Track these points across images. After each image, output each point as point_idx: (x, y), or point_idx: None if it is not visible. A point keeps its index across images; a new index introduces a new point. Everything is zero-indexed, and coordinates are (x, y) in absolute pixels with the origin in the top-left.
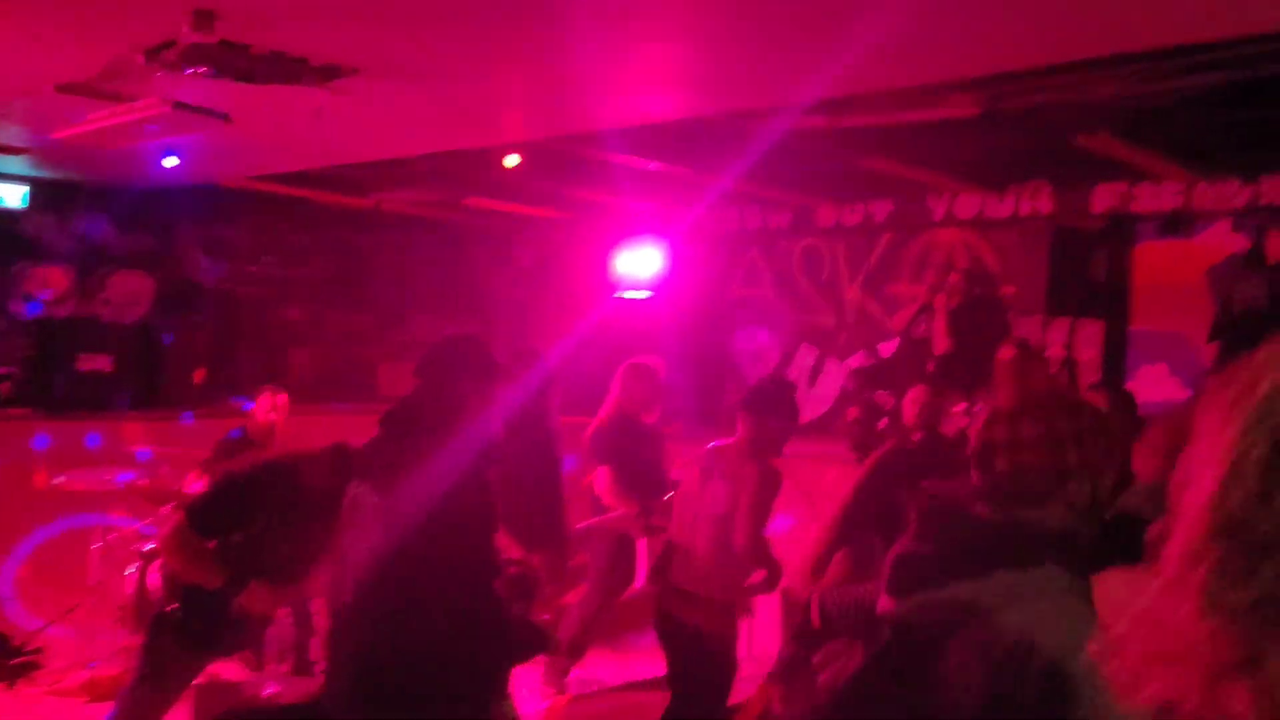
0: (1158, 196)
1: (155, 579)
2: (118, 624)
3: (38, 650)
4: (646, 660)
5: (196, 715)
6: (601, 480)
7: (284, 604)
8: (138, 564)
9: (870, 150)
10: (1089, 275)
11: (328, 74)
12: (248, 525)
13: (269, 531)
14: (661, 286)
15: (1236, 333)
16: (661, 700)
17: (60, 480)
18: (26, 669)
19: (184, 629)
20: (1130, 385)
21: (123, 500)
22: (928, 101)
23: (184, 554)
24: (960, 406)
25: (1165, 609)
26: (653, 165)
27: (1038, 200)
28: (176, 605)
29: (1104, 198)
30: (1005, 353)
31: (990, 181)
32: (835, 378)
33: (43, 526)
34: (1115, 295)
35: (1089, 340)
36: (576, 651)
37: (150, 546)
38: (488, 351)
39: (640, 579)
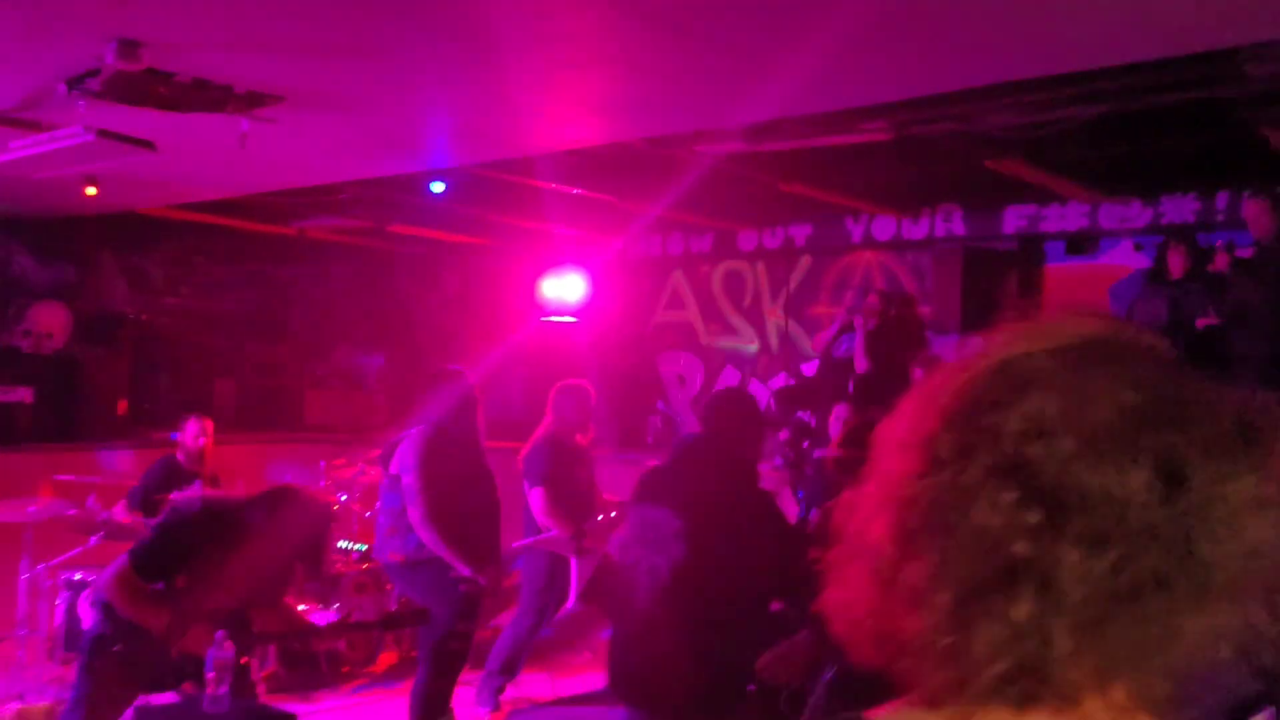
0: (1064, 217)
1: (85, 609)
2: (47, 655)
3: None
4: (578, 679)
5: None
6: (536, 501)
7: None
8: (65, 595)
9: (789, 175)
10: (1001, 294)
11: (252, 101)
12: (190, 568)
13: (211, 574)
14: (586, 311)
15: None
16: (592, 716)
17: None
18: None
19: (127, 664)
20: None
21: (49, 530)
22: (843, 127)
23: (129, 596)
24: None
25: None
26: (577, 191)
27: (951, 222)
28: (117, 639)
29: (1013, 219)
30: (918, 371)
31: (905, 205)
32: (759, 398)
33: None
34: (1026, 313)
35: None
36: (510, 670)
37: (79, 577)
38: (754, 400)
39: (572, 599)
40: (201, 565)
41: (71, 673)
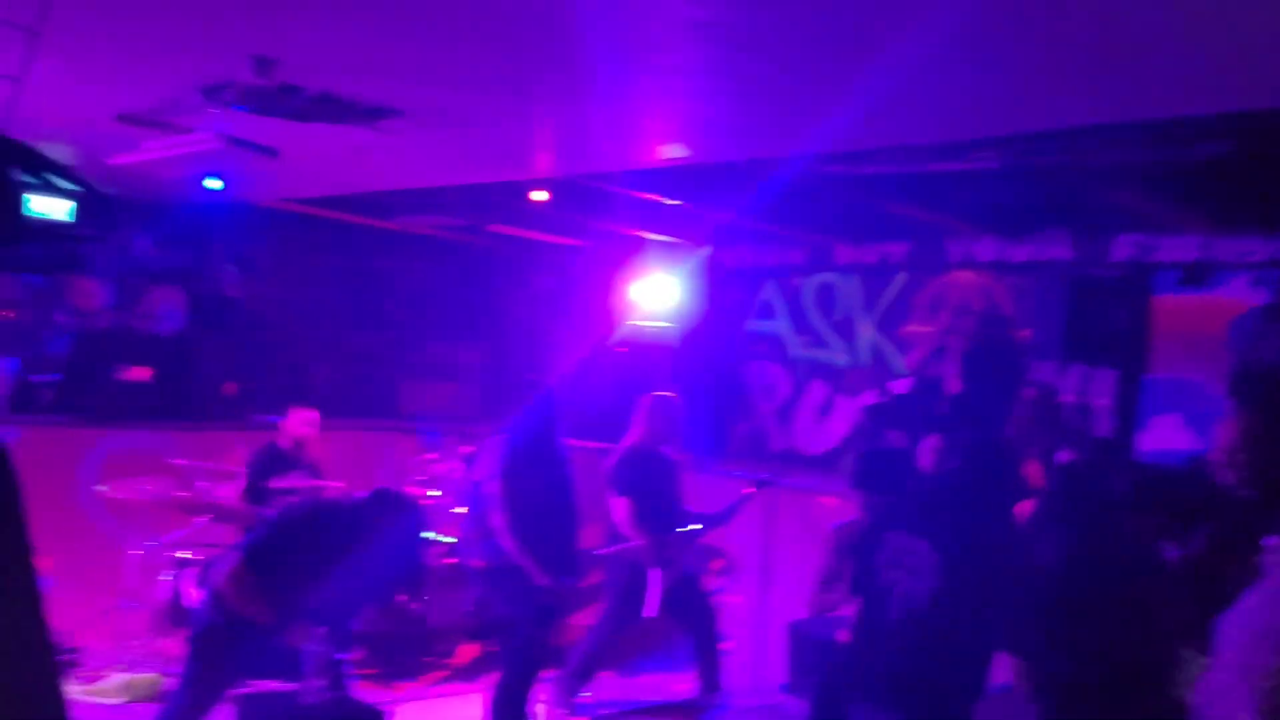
0: (1177, 248)
1: (189, 587)
2: (152, 629)
3: (74, 650)
4: (653, 685)
5: None
6: (620, 511)
7: (330, 644)
8: (173, 572)
9: (889, 195)
10: (1106, 323)
11: (374, 115)
12: (299, 566)
13: (318, 572)
14: (676, 317)
15: (1254, 388)
16: None
17: (101, 488)
18: (63, 668)
19: (234, 652)
20: (1144, 435)
21: (160, 509)
22: (949, 155)
23: (241, 591)
24: None
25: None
26: (673, 202)
27: (1056, 247)
28: (226, 629)
29: (1123, 247)
30: (1028, 393)
31: (1009, 228)
32: (845, 414)
33: (82, 532)
34: (1132, 344)
35: (1103, 388)
36: (587, 674)
37: (187, 555)
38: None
39: (651, 608)
40: (309, 564)
41: (175, 647)
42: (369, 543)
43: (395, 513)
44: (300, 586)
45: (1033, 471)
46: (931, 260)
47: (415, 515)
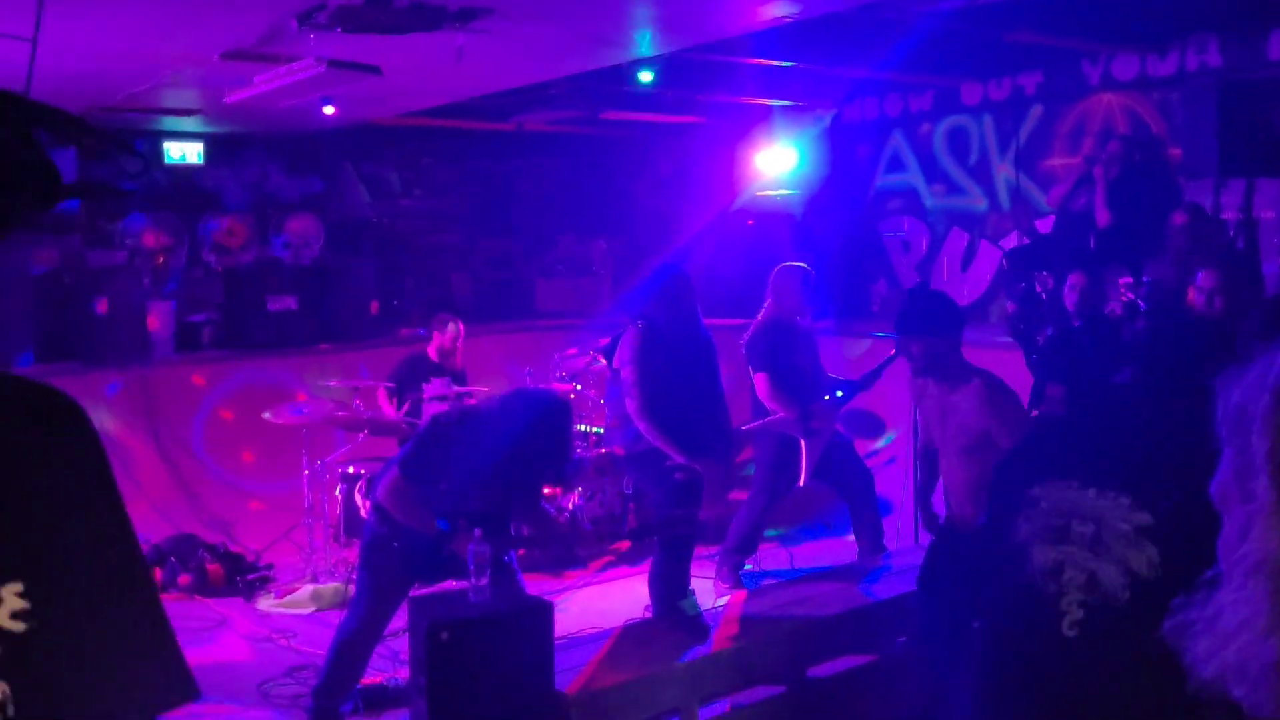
0: None
1: (359, 499)
2: (332, 540)
3: (269, 567)
4: (813, 553)
5: (411, 622)
6: (761, 386)
7: (494, 547)
8: (343, 487)
9: (1014, 24)
10: (1265, 130)
11: (465, 17)
12: (451, 472)
13: (472, 474)
14: (803, 182)
15: None
16: (829, 591)
17: (268, 415)
18: (261, 584)
19: (405, 562)
20: None
21: (323, 429)
22: None
23: (401, 502)
24: (1126, 280)
25: (1243, 594)
26: (786, 64)
27: (1205, 54)
28: (393, 539)
29: None
30: (1178, 218)
31: (1150, 39)
32: (989, 261)
33: (255, 458)
34: None
35: (1269, 200)
36: (748, 547)
37: (352, 470)
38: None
39: (804, 478)
40: (461, 468)
41: (354, 554)
42: (515, 442)
43: (535, 410)
44: (455, 491)
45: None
46: (1068, 87)
47: (556, 410)
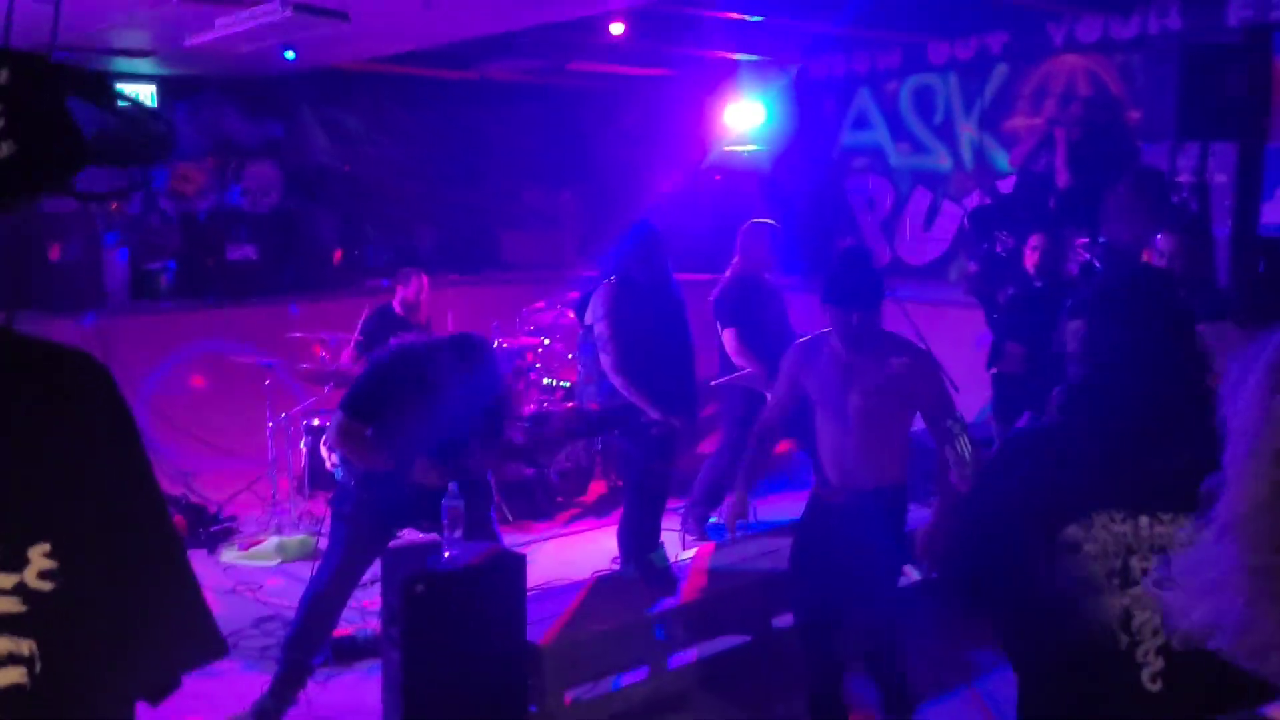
0: None
1: (323, 451)
2: (296, 492)
3: (232, 519)
4: (779, 506)
5: (385, 574)
6: (729, 341)
7: (450, 477)
8: (308, 439)
9: None
10: (1223, 94)
11: None
12: (395, 408)
13: (419, 410)
14: (770, 138)
15: None
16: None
17: (228, 365)
18: (224, 536)
19: (370, 507)
20: (1268, 206)
21: (288, 381)
22: None
23: (351, 443)
24: (1083, 241)
25: (1216, 552)
26: (754, 18)
27: (1166, 17)
28: (357, 485)
29: (1239, 8)
30: (1122, 185)
31: (1113, 3)
32: (952, 219)
33: (220, 410)
34: (1252, 113)
35: (1223, 164)
36: (713, 499)
37: (317, 422)
38: None
39: None
40: (407, 404)
41: (318, 507)
42: (455, 381)
43: (469, 354)
44: (405, 427)
45: None
46: (1032, 47)
47: (489, 355)
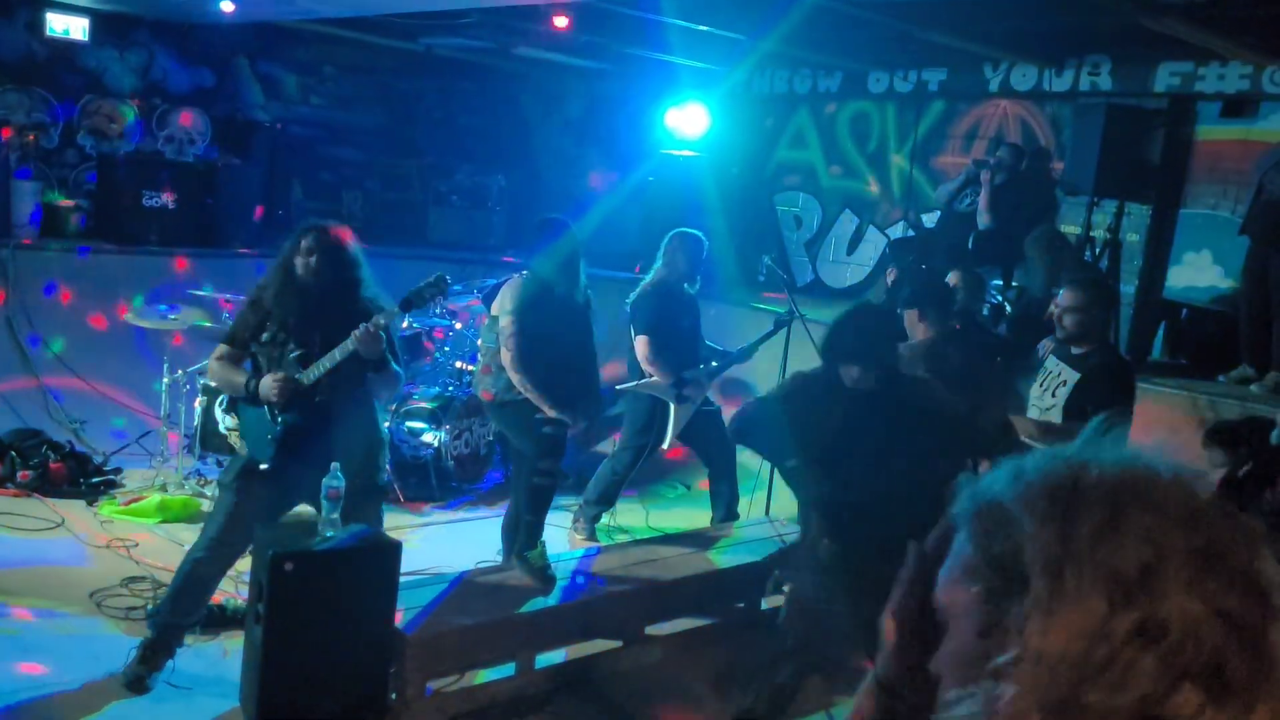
0: (1223, 78)
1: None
2: (185, 450)
3: (117, 471)
4: (670, 514)
5: (256, 548)
6: (641, 348)
7: (291, 393)
8: (203, 399)
9: (925, 22)
10: (1143, 156)
11: None
12: (262, 331)
13: (279, 334)
14: (707, 145)
15: (1263, 223)
16: (677, 553)
17: (130, 315)
18: (106, 488)
19: (256, 482)
20: (1173, 270)
21: (189, 337)
22: None
23: (219, 365)
24: (996, 284)
25: None
26: (701, 27)
27: (1098, 76)
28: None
29: (1167, 76)
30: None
31: (1050, 55)
32: (875, 246)
33: (115, 359)
34: (1169, 178)
35: (1136, 224)
36: (607, 501)
37: (214, 383)
38: None
39: (669, 441)
40: (272, 327)
41: (208, 469)
42: (316, 279)
43: (327, 239)
44: (271, 342)
45: None
46: (969, 88)
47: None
